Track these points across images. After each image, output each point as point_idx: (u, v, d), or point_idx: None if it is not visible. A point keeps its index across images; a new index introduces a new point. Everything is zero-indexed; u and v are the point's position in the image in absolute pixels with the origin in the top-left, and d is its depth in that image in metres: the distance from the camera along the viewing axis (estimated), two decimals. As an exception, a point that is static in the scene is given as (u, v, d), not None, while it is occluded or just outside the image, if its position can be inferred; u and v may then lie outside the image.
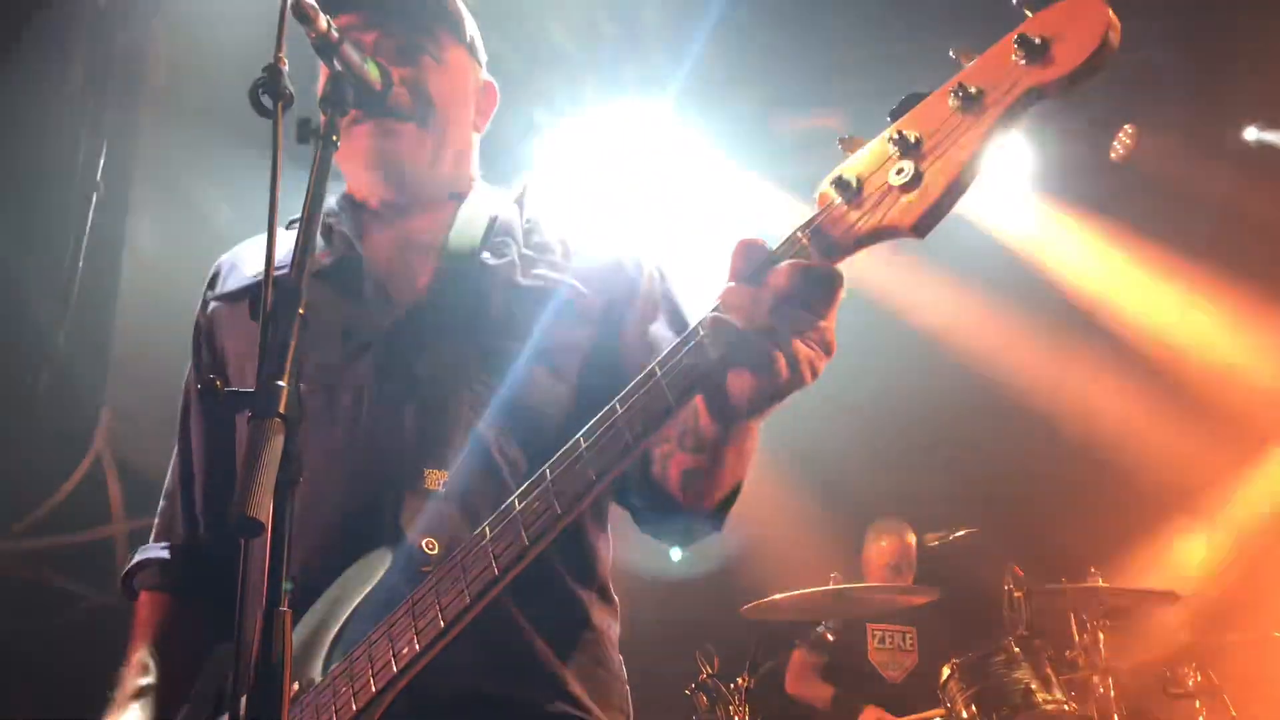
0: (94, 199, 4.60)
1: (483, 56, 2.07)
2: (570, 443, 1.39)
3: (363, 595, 1.55)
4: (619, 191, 6.67)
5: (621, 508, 1.83)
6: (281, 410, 1.14)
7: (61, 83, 4.63)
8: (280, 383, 1.16)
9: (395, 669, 1.44)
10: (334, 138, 1.48)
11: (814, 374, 1.27)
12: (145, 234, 4.77)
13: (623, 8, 5.71)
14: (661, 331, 1.84)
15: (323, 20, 1.55)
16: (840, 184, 1.21)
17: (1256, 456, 6.22)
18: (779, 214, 6.52)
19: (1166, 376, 6.30)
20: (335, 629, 1.53)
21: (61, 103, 4.63)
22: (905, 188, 1.17)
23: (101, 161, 4.69)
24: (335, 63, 1.60)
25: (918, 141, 1.17)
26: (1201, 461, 5.98)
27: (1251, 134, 6.45)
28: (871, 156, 1.21)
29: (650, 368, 1.33)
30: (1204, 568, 5.88)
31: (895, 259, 6.64)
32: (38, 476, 4.53)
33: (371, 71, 1.70)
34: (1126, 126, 6.34)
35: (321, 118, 1.52)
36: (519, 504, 1.42)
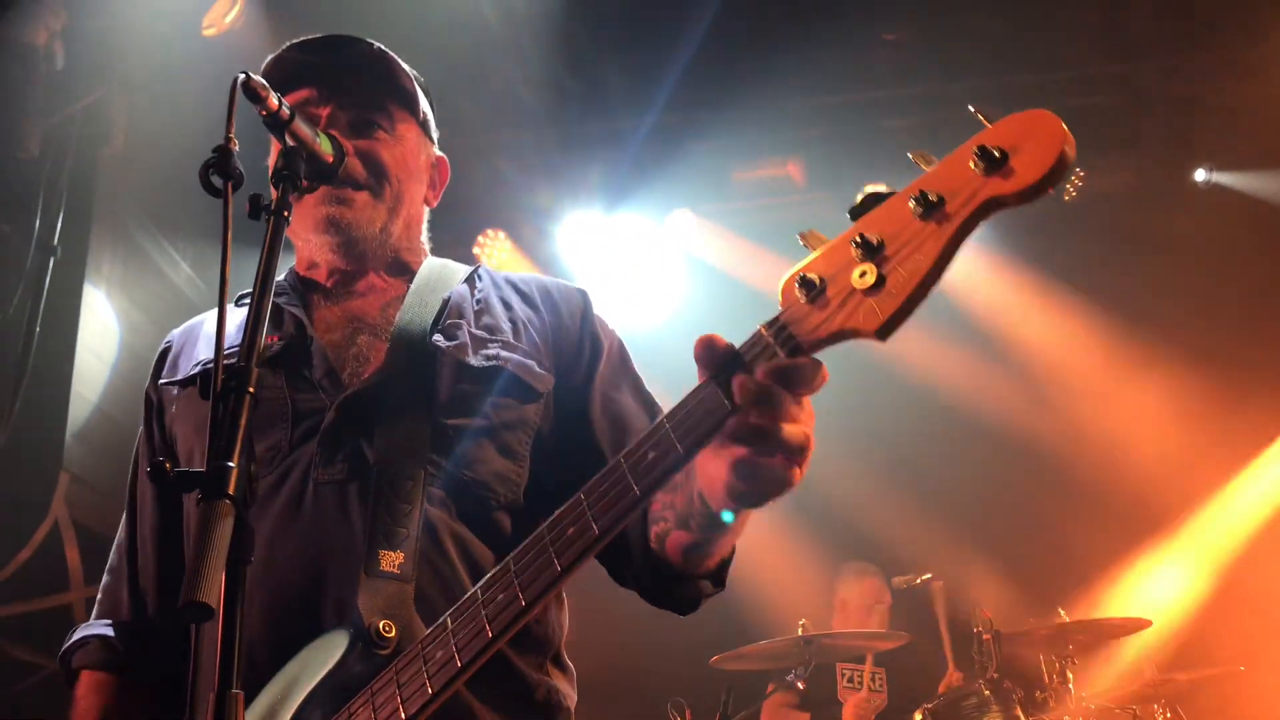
0: (51, 262, 4.57)
1: (435, 133, 2.10)
2: (534, 534, 1.39)
3: (319, 677, 1.53)
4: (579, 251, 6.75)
5: (625, 587, 1.82)
6: (230, 492, 1.14)
7: (18, 145, 4.62)
8: (229, 464, 1.16)
9: None
10: (285, 213, 1.50)
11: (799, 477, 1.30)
12: (103, 296, 4.74)
13: (585, 64, 5.80)
14: (625, 403, 1.87)
15: (273, 98, 1.58)
16: (804, 283, 1.23)
17: (1218, 487, 6.30)
18: (742, 262, 6.61)
19: (1126, 410, 6.39)
20: (291, 712, 1.51)
21: (19, 164, 4.62)
22: (869, 292, 1.18)
23: (59, 223, 4.67)
24: (287, 138, 1.62)
25: (880, 244, 1.19)
26: (1168, 489, 6.06)
27: (1200, 175, 6.62)
28: (835, 256, 1.22)
29: (616, 459, 1.33)
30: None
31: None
32: (-7, 543, 4.45)
33: (324, 145, 1.72)
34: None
35: (273, 193, 1.54)
36: (481, 594, 1.41)
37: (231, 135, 1.42)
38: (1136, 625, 4.85)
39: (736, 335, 1.29)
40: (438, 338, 1.84)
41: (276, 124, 1.60)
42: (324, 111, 1.90)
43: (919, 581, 5.59)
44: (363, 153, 1.88)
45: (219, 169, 1.39)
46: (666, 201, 6.78)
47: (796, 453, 1.26)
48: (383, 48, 1.96)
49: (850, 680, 5.49)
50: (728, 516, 1.42)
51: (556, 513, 1.37)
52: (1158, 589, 5.97)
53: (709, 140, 6.52)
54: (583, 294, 2.02)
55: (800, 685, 4.92)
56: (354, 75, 1.93)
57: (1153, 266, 6.46)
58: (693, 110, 6.40)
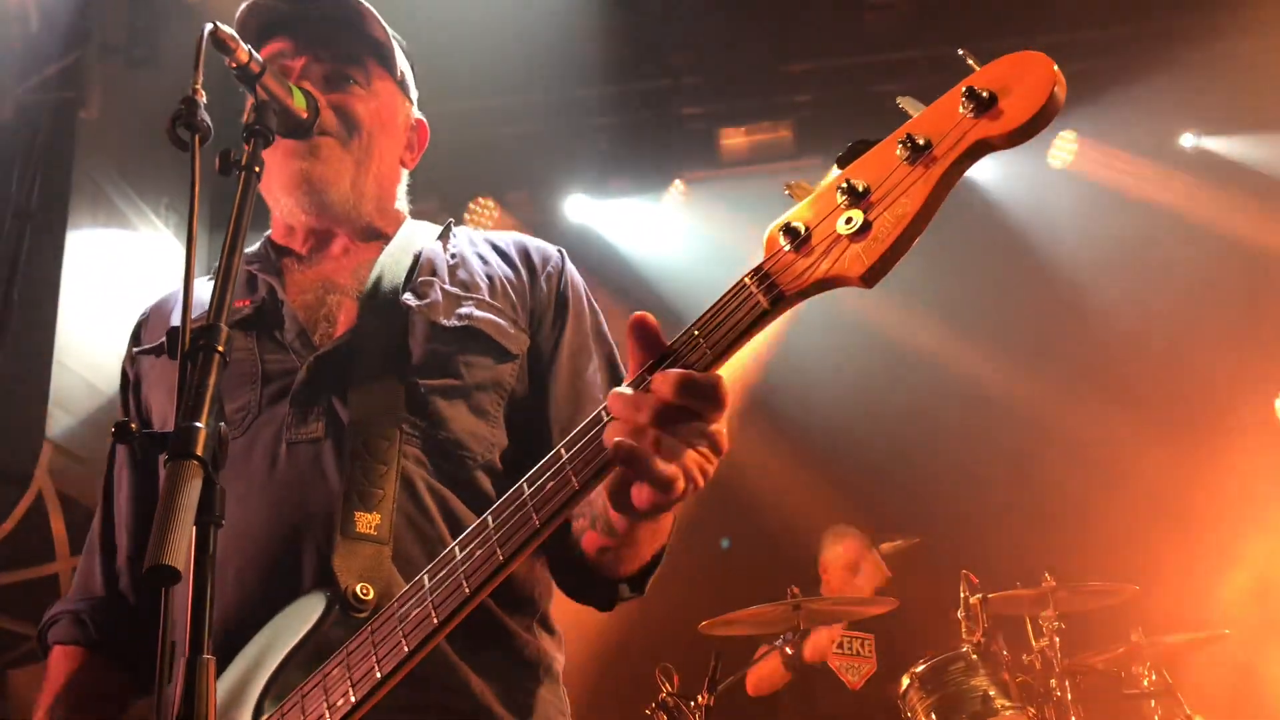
0: (29, 228, 4.50)
1: (414, 93, 2.06)
2: (513, 489, 1.37)
3: (295, 642, 1.51)
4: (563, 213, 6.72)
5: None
6: (198, 452, 1.11)
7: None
8: (197, 424, 1.13)
9: None
10: (256, 168, 1.46)
11: (706, 477, 1.27)
12: (83, 262, 4.67)
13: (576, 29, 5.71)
14: (593, 377, 1.85)
15: (243, 50, 1.54)
16: (789, 231, 1.21)
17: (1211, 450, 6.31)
18: (726, 230, 6.57)
19: (1114, 374, 6.40)
20: (266, 676, 1.49)
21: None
22: (854, 237, 1.17)
23: (36, 189, 4.60)
24: (259, 91, 1.58)
25: (865, 191, 1.17)
26: (1155, 456, 6.07)
27: (1188, 140, 6.59)
28: (819, 204, 1.21)
29: (597, 412, 1.31)
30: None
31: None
32: (-23, 515, 4.42)
33: (297, 100, 1.69)
34: (1064, 133, 6.46)
35: (245, 147, 1.49)
36: (459, 552, 1.39)
37: (198, 87, 1.38)
38: (1124, 590, 4.87)
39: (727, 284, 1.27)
40: (408, 296, 1.80)
41: (247, 77, 1.56)
42: (297, 64, 1.85)
43: (906, 546, 5.61)
44: (336, 105, 1.84)
45: (185, 121, 1.34)
46: (658, 168, 6.73)
47: (662, 487, 1.23)
48: (360, 1, 1.91)
49: (840, 646, 5.52)
50: (615, 524, 1.43)
51: (535, 468, 1.35)
52: (1146, 553, 5.98)
53: (699, 106, 6.48)
54: (560, 253, 1.98)
55: (789, 650, 4.93)
56: (329, 28, 1.88)
57: (1138, 229, 6.45)
58: (680, 75, 6.36)
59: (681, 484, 1.23)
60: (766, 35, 6.00)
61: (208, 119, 1.35)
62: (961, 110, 1.14)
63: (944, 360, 6.62)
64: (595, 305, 1.96)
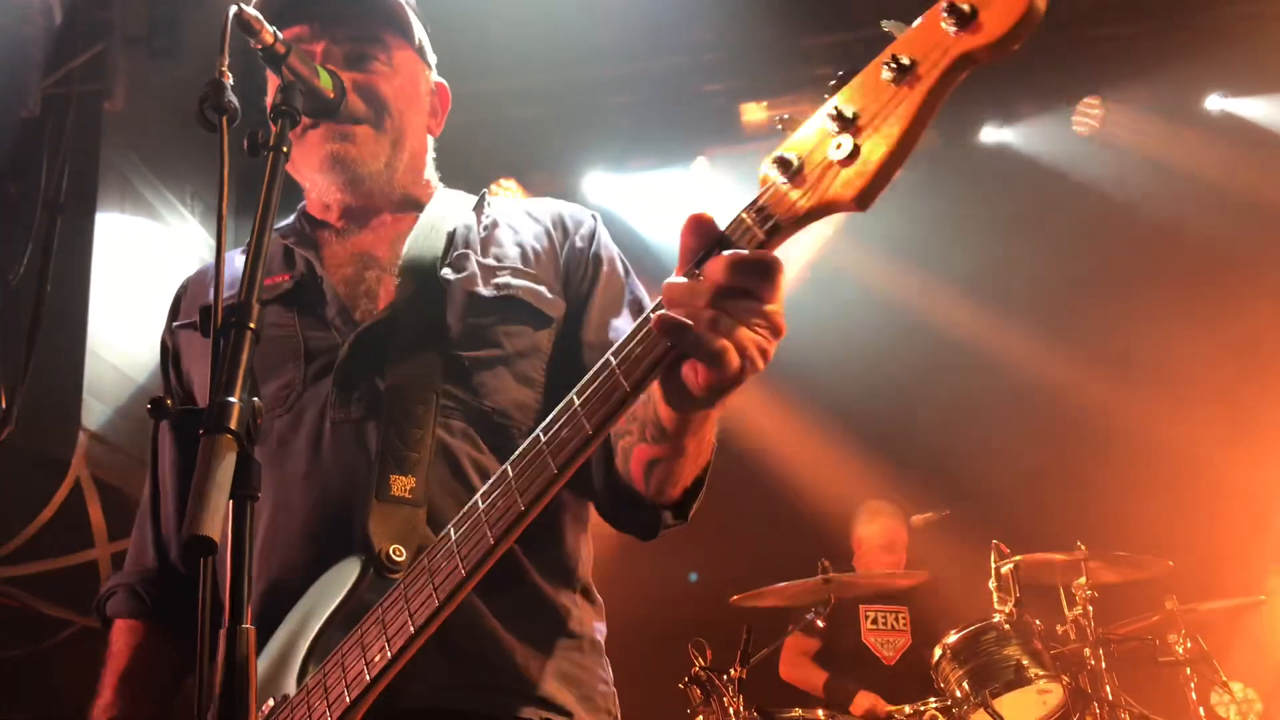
0: (59, 220, 4.55)
1: (432, 58, 2.06)
2: (530, 437, 1.39)
3: (334, 606, 1.54)
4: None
5: (587, 501, 1.82)
6: (233, 426, 1.13)
7: (19, 104, 4.59)
8: (231, 399, 1.15)
9: (369, 677, 1.43)
10: (284, 148, 1.47)
11: (765, 358, 1.25)
12: (112, 252, 4.72)
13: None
14: (624, 326, 1.84)
15: (268, 31, 1.55)
16: (781, 163, 1.22)
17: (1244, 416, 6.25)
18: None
19: (1143, 342, 6.34)
20: (308, 642, 1.52)
21: (21, 123, 4.59)
22: (844, 162, 1.18)
23: (64, 181, 4.64)
24: (284, 73, 1.60)
25: (855, 116, 1.18)
26: (1188, 423, 6.02)
27: (1214, 103, 6.49)
28: (811, 134, 1.22)
29: (605, 357, 1.32)
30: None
31: (874, 245, 6.69)
32: (16, 503, 4.49)
33: (324, 80, 1.70)
34: (1089, 99, 6.38)
35: (272, 128, 1.51)
36: (482, 503, 1.41)
37: (224, 69, 1.39)
38: (1156, 564, 4.83)
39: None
40: (446, 271, 1.82)
41: (273, 58, 1.58)
42: (317, 48, 1.86)
43: (938, 518, 5.60)
44: (361, 87, 1.85)
45: (213, 103, 1.36)
46: (679, 145, 6.72)
47: (712, 359, 1.22)
48: None
49: (875, 622, 5.53)
50: (669, 420, 1.40)
51: (550, 416, 1.37)
52: (1180, 521, 5.95)
53: (720, 82, 6.45)
54: (594, 216, 1.99)
55: (820, 624, 4.94)
56: (344, 7, 1.89)
57: (1166, 193, 6.37)
58: (700, 52, 6.33)
59: (735, 359, 1.22)
60: (785, 9, 5.96)
61: (235, 100, 1.37)
62: (944, 25, 1.14)
63: (971, 332, 6.58)
64: (629, 269, 1.97)
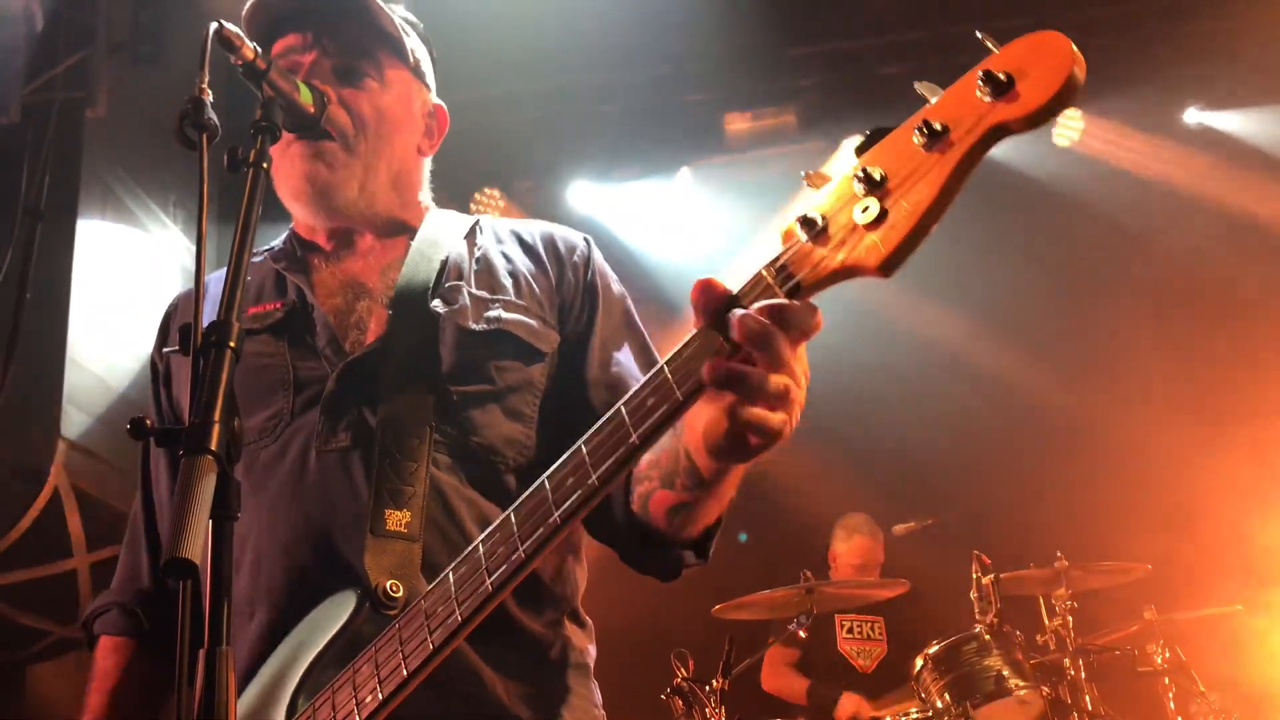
0: (39, 227, 4.52)
1: (431, 80, 2.04)
2: (535, 485, 1.37)
3: (327, 640, 1.53)
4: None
5: (604, 544, 1.80)
6: (213, 447, 1.12)
7: (1, 110, 4.56)
8: (211, 420, 1.14)
9: (359, 718, 1.43)
10: (264, 164, 1.47)
11: (800, 409, 1.27)
12: (93, 261, 4.70)
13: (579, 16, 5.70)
14: (628, 363, 1.83)
15: (249, 47, 1.54)
16: (806, 222, 1.19)
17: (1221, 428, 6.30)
18: (732, 214, 6.56)
19: (1123, 354, 6.39)
20: (299, 674, 1.51)
21: (1, 130, 4.57)
22: (870, 226, 1.15)
23: (45, 188, 4.62)
24: (265, 88, 1.59)
25: (883, 179, 1.15)
26: (1166, 435, 6.06)
27: (1192, 116, 6.56)
28: (837, 194, 1.19)
29: (616, 407, 1.31)
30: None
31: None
32: (-6, 512, 4.46)
33: (304, 95, 1.69)
34: (1070, 111, 6.43)
35: (254, 144, 1.51)
36: (482, 547, 1.40)
37: (205, 85, 1.39)
38: (1136, 569, 4.88)
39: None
40: (436, 303, 1.79)
41: (253, 73, 1.57)
42: (307, 59, 1.84)
43: (920, 528, 5.62)
44: (344, 102, 1.83)
45: (193, 121, 1.36)
46: (663, 155, 6.73)
47: (777, 401, 1.22)
48: None
49: (850, 631, 5.55)
50: (710, 470, 1.40)
51: (556, 464, 1.36)
52: (1158, 532, 5.99)
53: (703, 92, 6.47)
54: (586, 241, 1.96)
55: (802, 634, 4.95)
56: (337, 20, 1.87)
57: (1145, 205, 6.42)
58: (683, 61, 6.34)
59: (796, 394, 1.24)
60: (769, 19, 5.98)
61: (215, 117, 1.36)
62: (979, 94, 1.11)
63: (952, 344, 6.61)
64: (624, 293, 1.95)
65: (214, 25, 1.47)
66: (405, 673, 1.40)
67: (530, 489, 1.38)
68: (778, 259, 1.22)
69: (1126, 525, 5.64)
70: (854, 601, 5.46)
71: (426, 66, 2.03)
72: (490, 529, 1.41)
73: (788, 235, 1.22)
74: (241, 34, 1.52)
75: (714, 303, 1.24)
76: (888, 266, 1.14)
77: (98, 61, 4.73)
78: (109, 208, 4.93)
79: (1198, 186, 6.37)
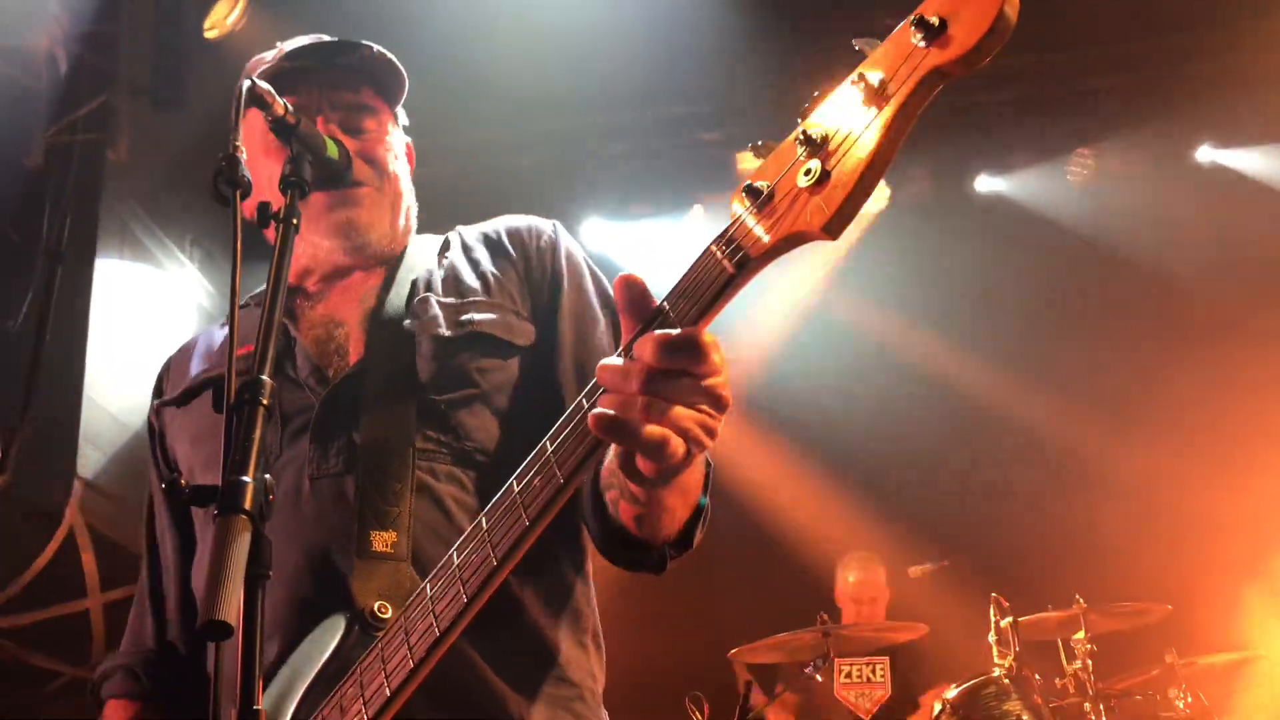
0: (59, 269, 4.56)
1: (404, 119, 2.07)
2: (504, 489, 1.37)
3: (319, 666, 1.52)
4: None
5: (586, 544, 1.81)
6: (247, 506, 1.12)
7: (23, 152, 4.62)
8: (245, 478, 1.15)
9: None
10: (294, 220, 1.48)
11: (711, 434, 1.23)
12: (112, 301, 4.73)
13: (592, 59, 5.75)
14: (601, 341, 1.82)
15: (279, 104, 1.57)
16: (751, 192, 1.17)
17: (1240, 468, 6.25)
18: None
19: (1139, 393, 6.37)
20: (294, 704, 1.50)
21: (24, 172, 4.62)
22: (814, 189, 1.12)
23: (66, 230, 4.66)
24: (293, 144, 1.61)
25: (824, 139, 1.13)
26: (1185, 475, 6.02)
27: (1205, 154, 6.58)
28: (780, 160, 1.17)
29: (577, 401, 1.30)
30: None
31: (870, 295, 6.72)
32: (10, 552, 4.46)
33: (330, 149, 1.72)
34: (1083, 149, 6.46)
35: (282, 200, 1.52)
36: (457, 557, 1.40)
37: (238, 143, 1.41)
38: (1156, 610, 4.82)
39: (747, 313, 1.23)
40: (409, 321, 1.80)
41: (283, 129, 1.59)
42: (317, 116, 1.86)
43: (936, 568, 5.57)
44: (361, 152, 1.86)
45: (228, 178, 1.37)
46: (676, 193, 6.77)
47: (653, 453, 1.20)
48: (369, 45, 1.93)
49: (849, 675, 5.46)
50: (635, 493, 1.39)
51: (523, 465, 1.35)
52: (1178, 573, 5.94)
53: (715, 131, 6.51)
54: (554, 226, 1.96)
55: (818, 678, 4.90)
56: (336, 78, 1.91)
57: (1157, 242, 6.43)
58: (698, 102, 6.40)
59: (676, 444, 1.19)
60: (782, 58, 6.02)
61: (248, 174, 1.38)
62: (913, 40, 1.08)
63: (968, 382, 6.60)
64: (598, 272, 1.93)
65: (246, 84, 1.49)
66: (388, 692, 1.40)
67: (500, 492, 1.37)
68: (725, 232, 1.20)
69: (1146, 566, 5.59)
70: (870, 644, 5.40)
71: (401, 110, 2.06)
72: (464, 536, 1.40)
73: (735, 205, 1.20)
74: (273, 91, 1.55)
75: (638, 310, 1.25)
76: (832, 228, 1.11)
77: (118, 104, 4.79)
78: (127, 246, 4.97)
79: (1211, 223, 6.37)
